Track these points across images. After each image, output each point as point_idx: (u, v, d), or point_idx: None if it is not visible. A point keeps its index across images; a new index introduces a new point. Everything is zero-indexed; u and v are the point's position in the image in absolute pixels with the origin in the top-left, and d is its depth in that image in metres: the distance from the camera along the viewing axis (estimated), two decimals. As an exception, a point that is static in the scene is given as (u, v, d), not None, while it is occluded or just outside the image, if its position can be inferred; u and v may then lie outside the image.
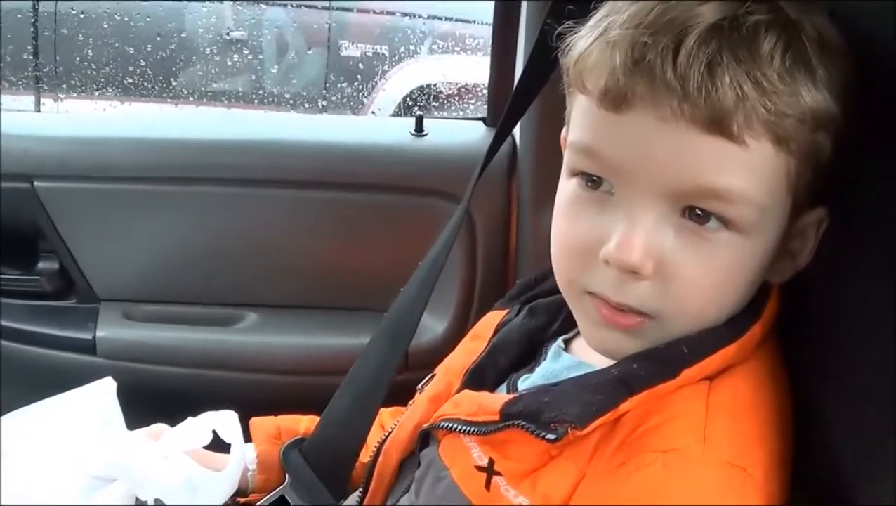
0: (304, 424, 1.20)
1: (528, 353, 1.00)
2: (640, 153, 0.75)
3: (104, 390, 1.20)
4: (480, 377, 0.99)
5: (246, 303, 1.68)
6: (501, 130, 1.18)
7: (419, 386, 1.08)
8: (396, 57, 3.04)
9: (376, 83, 3.00)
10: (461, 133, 1.73)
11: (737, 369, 0.81)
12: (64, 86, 3.00)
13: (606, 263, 0.78)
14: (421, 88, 3.01)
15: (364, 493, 1.06)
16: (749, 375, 0.81)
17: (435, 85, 2.98)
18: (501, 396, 0.92)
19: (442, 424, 0.91)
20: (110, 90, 2.80)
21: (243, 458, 1.12)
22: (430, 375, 1.08)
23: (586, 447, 0.79)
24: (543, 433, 0.78)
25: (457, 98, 2.96)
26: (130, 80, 2.86)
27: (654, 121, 0.73)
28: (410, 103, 2.95)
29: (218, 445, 1.12)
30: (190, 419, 1.12)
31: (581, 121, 0.80)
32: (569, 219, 0.82)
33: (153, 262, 1.68)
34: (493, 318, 1.07)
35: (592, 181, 0.80)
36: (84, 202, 1.64)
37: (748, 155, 0.73)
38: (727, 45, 0.72)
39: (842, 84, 0.76)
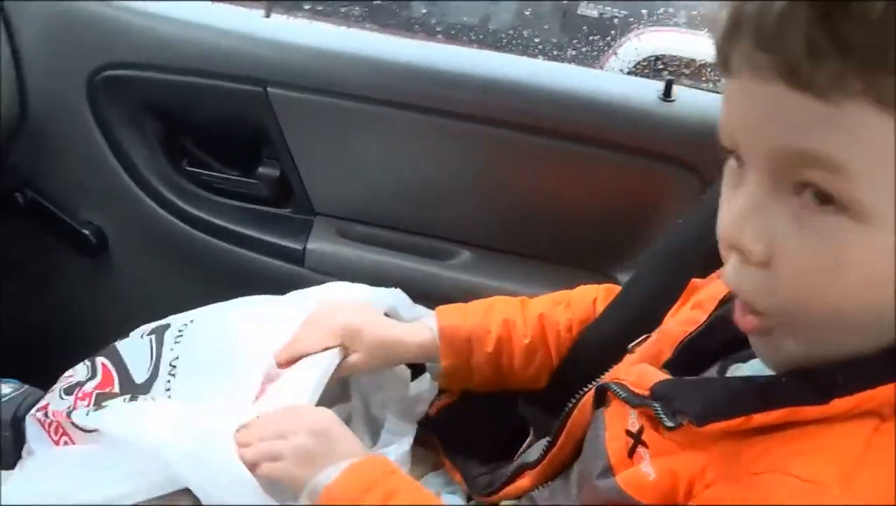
0: (495, 331, 1.21)
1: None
2: (743, 117, 0.68)
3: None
4: (693, 352, 0.93)
5: (461, 240, 1.64)
6: None
7: (630, 346, 1.04)
8: (636, 22, 2.96)
9: (609, 45, 2.92)
10: (712, 106, 1.62)
11: None
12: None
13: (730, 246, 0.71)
14: (656, 59, 2.89)
15: (552, 444, 1.05)
16: None
17: (671, 57, 2.86)
18: (663, 375, 0.89)
19: (611, 385, 0.91)
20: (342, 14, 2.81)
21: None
22: (644, 335, 1.03)
23: (720, 448, 0.77)
24: (665, 420, 0.79)
25: (692, 74, 2.84)
26: (365, 9, 2.87)
27: (750, 80, 0.66)
28: (643, 73, 2.85)
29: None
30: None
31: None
32: (722, 201, 0.74)
33: (375, 184, 1.65)
34: (719, 288, 0.96)
35: (737, 157, 0.72)
36: (315, 115, 1.61)
37: (841, 118, 0.61)
38: None
39: None
